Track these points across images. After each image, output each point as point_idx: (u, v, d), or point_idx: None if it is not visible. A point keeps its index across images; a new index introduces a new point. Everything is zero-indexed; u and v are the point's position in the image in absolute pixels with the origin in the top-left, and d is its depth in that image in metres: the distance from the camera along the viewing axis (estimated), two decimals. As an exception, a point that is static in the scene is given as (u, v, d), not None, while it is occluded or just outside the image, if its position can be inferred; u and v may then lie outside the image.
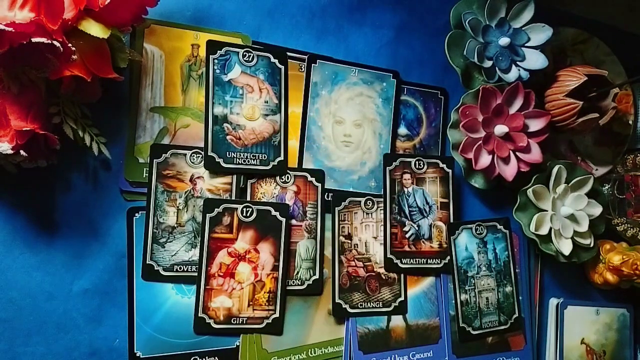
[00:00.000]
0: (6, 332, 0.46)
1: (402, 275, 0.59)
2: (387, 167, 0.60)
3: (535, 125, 0.61)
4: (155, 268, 0.50)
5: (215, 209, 0.52)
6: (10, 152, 0.41)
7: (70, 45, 0.40)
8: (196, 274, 0.51)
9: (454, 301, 0.61)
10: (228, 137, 0.53)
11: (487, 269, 0.62)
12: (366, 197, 0.59)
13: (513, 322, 0.63)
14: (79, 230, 0.49)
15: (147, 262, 0.50)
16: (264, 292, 0.53)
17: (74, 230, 0.48)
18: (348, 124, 0.60)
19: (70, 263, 0.48)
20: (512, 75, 0.61)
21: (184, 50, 0.53)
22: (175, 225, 0.51)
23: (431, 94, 0.64)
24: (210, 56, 0.53)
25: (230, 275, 0.52)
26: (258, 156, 0.54)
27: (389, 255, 0.58)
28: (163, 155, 0.51)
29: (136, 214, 0.50)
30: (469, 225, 0.62)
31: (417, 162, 0.61)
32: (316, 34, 0.59)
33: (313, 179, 0.57)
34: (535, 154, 0.61)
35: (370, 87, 0.61)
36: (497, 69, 0.61)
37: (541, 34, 0.62)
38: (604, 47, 0.70)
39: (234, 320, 0.51)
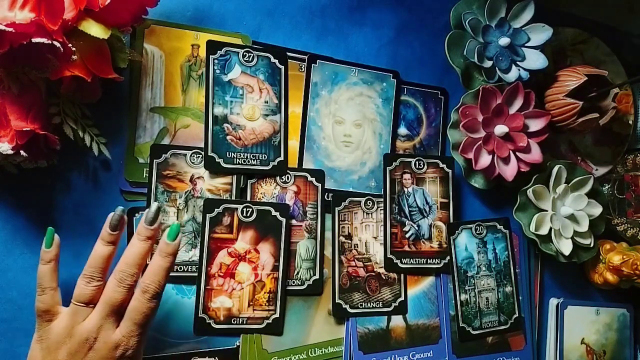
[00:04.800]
0: (6, 332, 0.46)
1: (402, 275, 0.59)
2: (387, 167, 0.60)
3: (535, 125, 0.61)
4: (156, 268, 0.50)
5: (215, 209, 0.52)
6: (11, 152, 0.41)
7: (70, 45, 0.40)
8: (196, 274, 0.51)
9: (454, 301, 0.61)
10: (228, 137, 0.53)
11: (487, 269, 0.62)
12: (366, 197, 0.59)
13: (513, 322, 0.63)
14: (79, 230, 0.49)
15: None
16: (264, 292, 0.53)
17: (74, 230, 0.48)
18: (348, 124, 0.60)
19: (71, 263, 0.48)
20: (512, 75, 0.61)
21: (184, 51, 0.53)
22: (176, 226, 0.51)
23: (431, 94, 0.64)
24: (210, 56, 0.53)
25: (231, 276, 0.52)
26: (258, 156, 0.54)
27: (389, 255, 0.58)
28: (163, 155, 0.51)
29: (136, 214, 0.50)
30: (469, 225, 0.62)
31: (417, 162, 0.61)
32: (316, 34, 0.59)
33: (313, 179, 0.57)
34: (535, 154, 0.61)
35: (370, 87, 0.61)
36: (497, 69, 0.61)
37: (541, 34, 0.62)
38: (604, 47, 0.70)
39: (234, 321, 0.51)
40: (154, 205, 0.43)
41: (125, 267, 0.42)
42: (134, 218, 0.50)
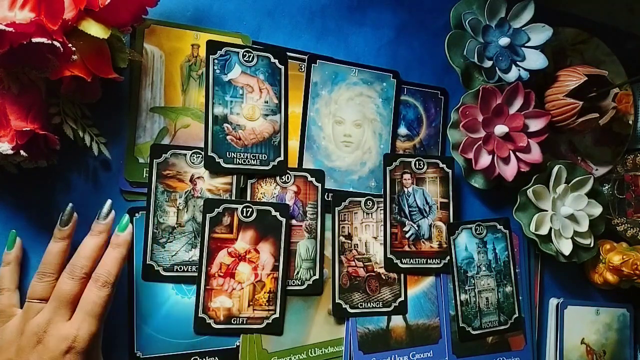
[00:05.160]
0: (6, 332, 0.46)
1: (402, 275, 0.59)
2: (387, 167, 0.60)
3: (535, 125, 0.61)
4: (156, 268, 0.50)
5: (215, 209, 0.52)
6: (11, 152, 0.41)
7: (70, 45, 0.40)
8: (196, 274, 0.51)
9: (454, 301, 0.61)
10: (228, 137, 0.53)
11: (487, 269, 0.62)
12: (366, 197, 0.59)
13: (513, 322, 0.63)
14: (79, 231, 0.48)
15: (147, 262, 0.50)
16: (264, 292, 0.53)
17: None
18: (348, 124, 0.60)
19: (71, 263, 0.48)
20: (512, 75, 0.61)
21: (184, 50, 0.53)
22: (176, 226, 0.51)
23: (431, 94, 0.64)
24: (210, 56, 0.53)
25: (231, 276, 0.52)
26: (258, 156, 0.54)
27: (389, 255, 0.58)
28: (163, 155, 0.51)
29: (136, 214, 0.50)
30: (469, 225, 0.62)
31: (417, 162, 0.61)
32: (316, 34, 0.59)
33: (313, 179, 0.57)
34: (535, 154, 0.61)
35: (370, 87, 0.61)
36: (497, 69, 0.61)
37: (541, 34, 0.62)
38: (604, 47, 0.70)
39: (234, 321, 0.51)
40: (108, 202, 0.46)
41: (76, 260, 0.43)
42: (134, 218, 0.50)
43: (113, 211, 0.46)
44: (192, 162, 0.52)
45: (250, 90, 0.55)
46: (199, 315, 0.51)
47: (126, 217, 0.47)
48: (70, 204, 0.45)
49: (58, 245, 0.44)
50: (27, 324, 0.41)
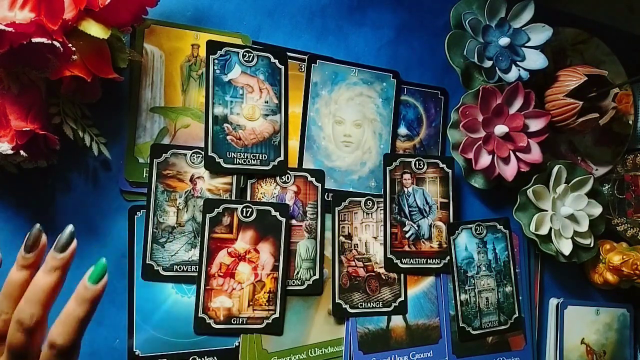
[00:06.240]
0: (6, 332, 0.46)
1: (402, 275, 0.59)
2: (387, 167, 0.60)
3: (535, 125, 0.61)
4: (155, 268, 0.50)
5: (215, 209, 0.52)
6: (11, 152, 0.41)
7: (70, 45, 0.40)
8: (196, 274, 0.51)
9: (453, 301, 0.61)
10: (228, 137, 0.53)
11: (487, 269, 0.62)
12: (366, 197, 0.59)
13: (513, 322, 0.63)
14: (79, 231, 0.48)
15: (147, 261, 0.50)
16: (264, 292, 0.53)
17: (74, 230, 0.48)
18: (348, 124, 0.60)
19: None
20: (512, 75, 0.61)
21: (184, 50, 0.53)
22: (175, 225, 0.51)
23: (431, 94, 0.64)
24: (210, 56, 0.53)
25: (230, 276, 0.52)
26: (258, 156, 0.54)
27: (389, 255, 0.58)
28: (163, 155, 0.51)
29: (137, 213, 0.50)
30: (469, 225, 0.62)
31: (417, 162, 0.61)
32: (316, 34, 0.59)
33: (313, 179, 0.57)
34: (535, 154, 0.61)
35: (370, 87, 0.61)
36: (497, 69, 0.61)
37: (541, 34, 0.62)
38: (604, 47, 0.70)
39: (234, 321, 0.51)
40: (68, 229, 0.34)
41: (25, 305, 0.31)
42: (136, 216, 0.50)
43: (75, 240, 0.34)
44: (192, 162, 0.52)
45: (250, 90, 0.55)
46: (199, 316, 0.51)
47: (103, 260, 0.33)
48: (38, 225, 0.34)
49: (19, 275, 0.33)
50: None
